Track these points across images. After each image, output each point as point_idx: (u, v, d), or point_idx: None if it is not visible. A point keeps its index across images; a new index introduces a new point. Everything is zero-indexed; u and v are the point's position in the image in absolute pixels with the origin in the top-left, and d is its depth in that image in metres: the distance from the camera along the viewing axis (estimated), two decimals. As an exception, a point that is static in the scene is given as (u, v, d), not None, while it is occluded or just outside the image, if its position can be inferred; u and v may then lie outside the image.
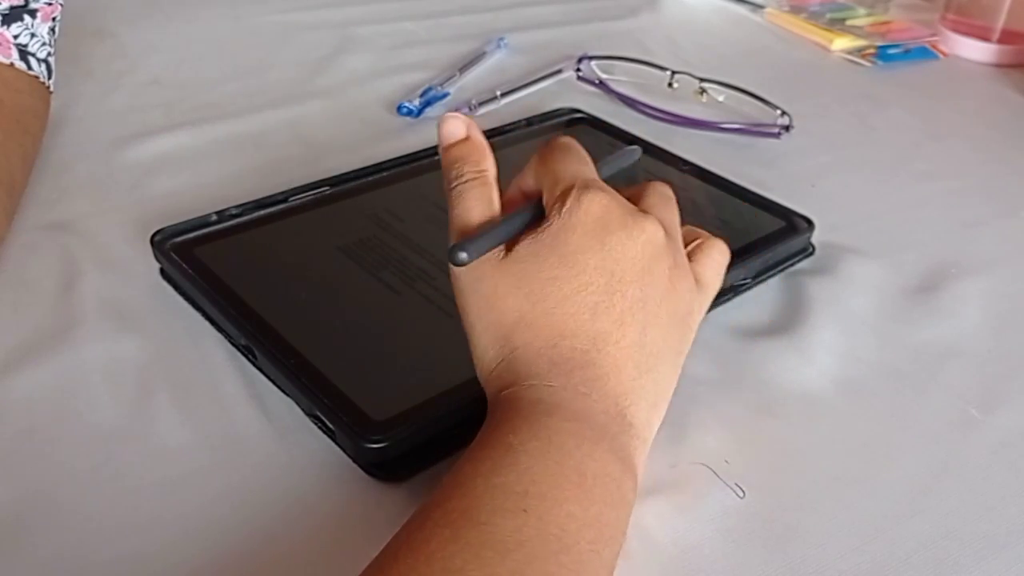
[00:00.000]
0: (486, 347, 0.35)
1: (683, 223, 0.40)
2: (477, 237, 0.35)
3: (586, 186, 0.35)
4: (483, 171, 0.37)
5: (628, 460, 0.33)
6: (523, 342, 0.34)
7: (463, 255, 0.34)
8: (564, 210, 0.35)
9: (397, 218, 0.51)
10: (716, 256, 0.40)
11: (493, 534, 0.28)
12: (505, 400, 0.34)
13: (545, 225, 0.35)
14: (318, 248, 0.48)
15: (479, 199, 0.37)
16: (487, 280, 0.35)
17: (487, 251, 0.35)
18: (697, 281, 0.38)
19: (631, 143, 0.60)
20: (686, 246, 0.39)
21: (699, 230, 0.41)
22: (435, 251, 0.48)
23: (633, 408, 0.34)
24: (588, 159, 0.39)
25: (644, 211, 0.36)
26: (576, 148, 0.39)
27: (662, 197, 0.39)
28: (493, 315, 0.35)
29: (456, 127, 0.38)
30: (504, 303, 0.35)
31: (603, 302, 0.34)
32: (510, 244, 0.36)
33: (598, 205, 0.35)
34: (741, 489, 0.37)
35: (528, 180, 0.39)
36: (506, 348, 0.35)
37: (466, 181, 0.37)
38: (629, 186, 0.39)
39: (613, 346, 0.34)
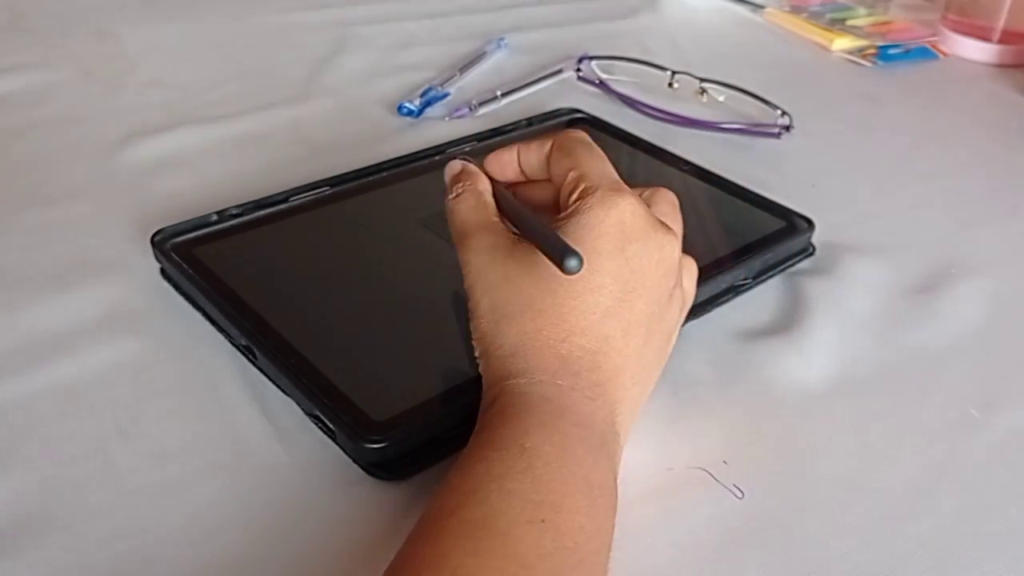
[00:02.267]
0: (490, 326, 0.35)
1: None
2: (562, 240, 0.33)
3: (616, 189, 0.35)
4: (474, 185, 0.39)
5: (615, 469, 0.33)
6: (533, 328, 0.34)
7: (575, 263, 0.32)
8: (586, 208, 0.35)
9: (396, 218, 0.51)
10: (693, 271, 0.40)
11: (515, 547, 0.28)
12: (511, 392, 0.33)
13: (563, 219, 0.35)
14: (318, 248, 0.48)
15: (474, 202, 0.38)
16: (499, 261, 0.35)
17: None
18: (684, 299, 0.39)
19: (631, 143, 0.60)
20: None
21: None
22: (431, 251, 0.48)
23: (620, 418, 0.34)
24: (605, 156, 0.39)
25: (665, 225, 0.36)
26: (595, 145, 0.39)
27: (672, 207, 0.39)
28: (503, 294, 0.35)
29: (454, 165, 0.41)
30: (515, 285, 0.34)
31: (613, 308, 0.34)
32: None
33: (626, 211, 0.35)
34: (740, 490, 0.37)
35: (532, 161, 0.39)
36: (513, 331, 0.34)
37: (461, 192, 0.39)
38: (633, 187, 0.39)
39: (616, 353, 0.34)
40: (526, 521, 0.29)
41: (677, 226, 0.38)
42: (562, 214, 0.36)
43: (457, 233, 0.38)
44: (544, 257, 0.34)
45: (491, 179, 0.40)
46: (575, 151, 0.38)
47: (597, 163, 0.37)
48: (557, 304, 0.34)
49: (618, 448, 0.34)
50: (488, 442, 0.32)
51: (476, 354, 0.36)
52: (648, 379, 0.36)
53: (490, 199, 0.39)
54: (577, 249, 0.32)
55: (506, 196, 0.39)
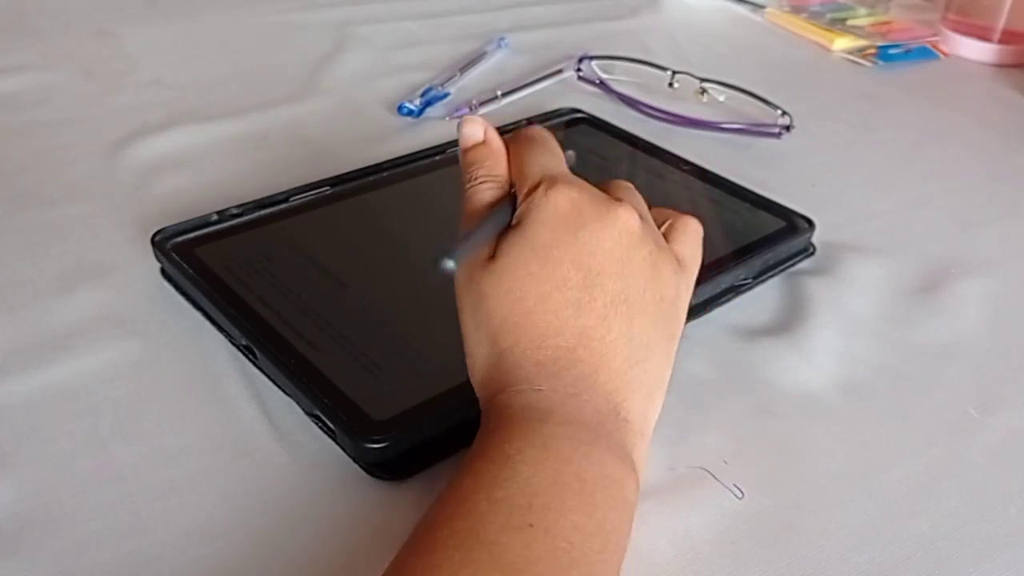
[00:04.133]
0: (475, 348, 0.35)
1: (651, 207, 0.39)
2: (460, 243, 0.34)
3: (553, 180, 0.35)
4: (497, 176, 0.37)
5: (627, 458, 0.33)
6: (508, 344, 0.34)
7: (450, 264, 0.32)
8: (532, 205, 0.35)
9: (396, 218, 0.51)
10: (691, 232, 0.39)
11: (503, 555, 0.28)
12: (497, 406, 0.33)
13: (517, 221, 0.35)
14: (318, 248, 0.48)
15: (491, 202, 0.37)
16: (476, 281, 0.35)
17: (471, 254, 0.34)
18: (678, 261, 0.37)
19: (631, 143, 0.60)
20: (659, 228, 0.38)
21: (666, 210, 0.40)
22: (431, 251, 0.48)
23: (627, 403, 0.34)
24: (556, 148, 0.38)
25: (616, 199, 0.36)
26: (542, 138, 0.38)
27: (627, 189, 0.38)
28: (480, 315, 0.35)
29: (475, 130, 0.38)
30: (489, 304, 0.34)
31: (584, 298, 0.34)
32: (495, 242, 0.35)
33: (565, 199, 0.34)
34: (740, 490, 0.37)
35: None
36: (494, 351, 0.34)
37: (480, 183, 0.37)
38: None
39: (599, 341, 0.34)
40: (513, 527, 0.28)
41: (636, 202, 0.37)
42: (517, 219, 0.35)
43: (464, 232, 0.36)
44: (508, 263, 0.34)
45: None
46: (517, 152, 0.37)
47: (537, 158, 0.36)
48: (527, 312, 0.34)
49: (628, 435, 0.33)
50: (475, 456, 0.32)
51: (470, 377, 0.36)
52: (648, 356, 0.35)
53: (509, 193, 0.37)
54: (450, 252, 0.32)
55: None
